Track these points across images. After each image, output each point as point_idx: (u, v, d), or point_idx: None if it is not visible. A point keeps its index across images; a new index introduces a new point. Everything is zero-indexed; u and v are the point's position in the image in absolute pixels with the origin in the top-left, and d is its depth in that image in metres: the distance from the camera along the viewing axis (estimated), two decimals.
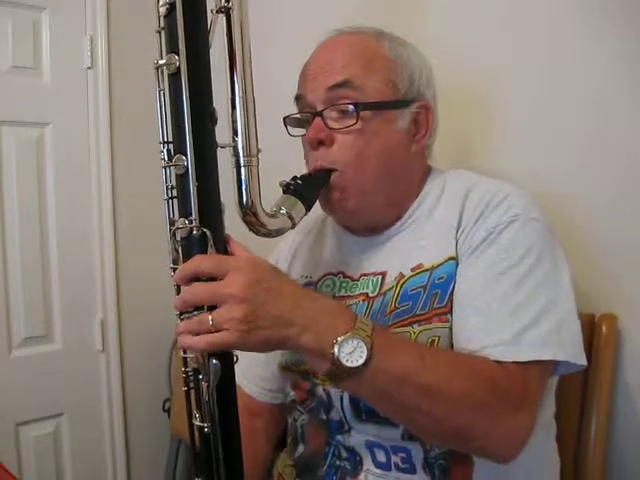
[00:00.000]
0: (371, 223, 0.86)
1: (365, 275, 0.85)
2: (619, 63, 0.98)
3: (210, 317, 0.60)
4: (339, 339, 0.61)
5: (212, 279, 0.61)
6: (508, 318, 0.70)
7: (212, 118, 0.65)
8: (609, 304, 1.00)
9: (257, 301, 0.60)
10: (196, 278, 0.62)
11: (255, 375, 0.96)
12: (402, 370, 0.64)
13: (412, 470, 0.76)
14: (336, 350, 0.61)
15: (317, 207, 0.84)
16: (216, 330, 0.60)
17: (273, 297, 0.62)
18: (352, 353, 0.61)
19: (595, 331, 0.98)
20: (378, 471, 0.77)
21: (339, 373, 0.62)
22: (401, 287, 0.80)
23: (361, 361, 0.61)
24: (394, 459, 0.77)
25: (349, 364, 0.61)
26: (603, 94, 1.00)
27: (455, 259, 0.77)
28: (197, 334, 0.61)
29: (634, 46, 0.97)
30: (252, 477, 0.90)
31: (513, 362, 0.68)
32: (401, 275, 0.81)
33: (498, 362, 0.68)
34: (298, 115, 0.87)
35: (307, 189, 0.78)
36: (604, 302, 1.00)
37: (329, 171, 0.80)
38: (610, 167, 1.00)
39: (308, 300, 0.65)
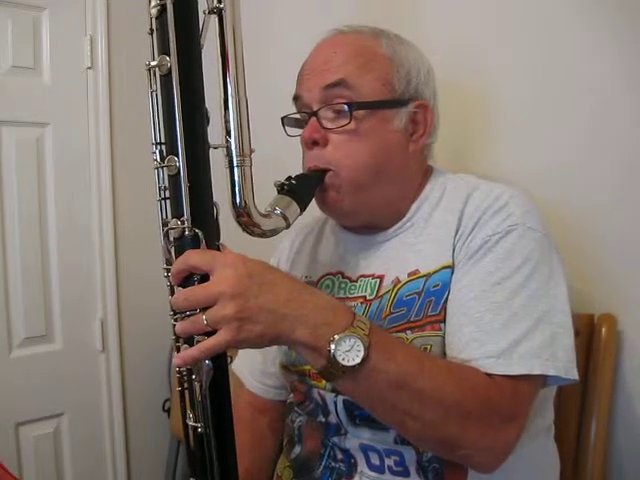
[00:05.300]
0: (369, 223, 0.86)
1: (363, 276, 0.85)
2: (617, 63, 0.98)
3: (204, 317, 0.59)
4: (336, 337, 0.60)
5: (206, 277, 0.61)
6: (501, 329, 0.69)
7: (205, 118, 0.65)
8: (608, 304, 0.99)
9: (248, 295, 0.59)
10: (190, 276, 0.62)
11: (258, 372, 0.96)
12: (398, 372, 0.63)
13: (406, 473, 0.75)
14: (332, 348, 0.60)
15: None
16: (211, 329, 0.59)
17: (266, 290, 0.61)
18: (349, 352, 0.60)
19: (594, 332, 0.97)
20: (372, 474, 0.77)
21: (334, 371, 0.61)
22: (397, 292, 0.79)
23: (357, 360, 0.61)
24: (387, 462, 0.76)
25: (345, 362, 0.60)
26: (601, 93, 1.00)
27: (450, 267, 0.76)
28: (193, 336, 0.60)
29: (632, 46, 0.96)
30: (258, 475, 0.90)
31: (503, 375, 0.67)
32: (397, 280, 0.80)
33: (489, 374, 0.68)
34: (295, 115, 0.86)
35: (302, 189, 0.78)
36: (603, 302, 1.00)
37: (324, 171, 0.79)
38: (610, 166, 1.00)
39: (305, 294, 0.64)
